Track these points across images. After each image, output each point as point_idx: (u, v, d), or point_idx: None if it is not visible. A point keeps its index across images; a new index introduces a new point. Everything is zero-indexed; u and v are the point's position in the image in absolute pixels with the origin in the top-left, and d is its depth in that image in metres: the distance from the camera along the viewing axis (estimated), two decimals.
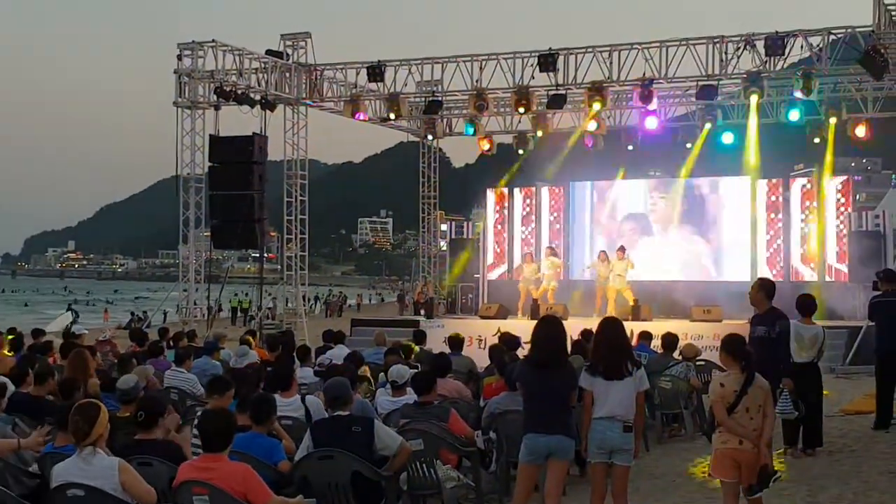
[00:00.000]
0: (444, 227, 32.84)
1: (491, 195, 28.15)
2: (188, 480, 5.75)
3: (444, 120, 31.18)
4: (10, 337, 15.73)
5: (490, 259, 27.65)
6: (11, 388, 8.97)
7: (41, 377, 9.75)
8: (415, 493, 7.92)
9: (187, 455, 6.57)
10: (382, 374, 11.03)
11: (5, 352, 13.22)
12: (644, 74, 23.81)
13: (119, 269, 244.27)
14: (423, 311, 27.07)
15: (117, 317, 52.15)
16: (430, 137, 31.49)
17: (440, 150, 34.64)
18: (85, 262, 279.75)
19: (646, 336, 14.54)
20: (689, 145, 27.54)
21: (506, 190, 28.06)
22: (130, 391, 8.26)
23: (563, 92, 24.73)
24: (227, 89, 25.62)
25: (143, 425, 6.72)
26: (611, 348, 7.18)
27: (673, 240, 25.47)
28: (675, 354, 13.40)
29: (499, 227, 27.66)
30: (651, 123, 25.94)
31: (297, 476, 6.80)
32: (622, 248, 23.55)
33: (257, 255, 39.36)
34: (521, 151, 30.34)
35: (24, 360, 11.17)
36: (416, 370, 10.26)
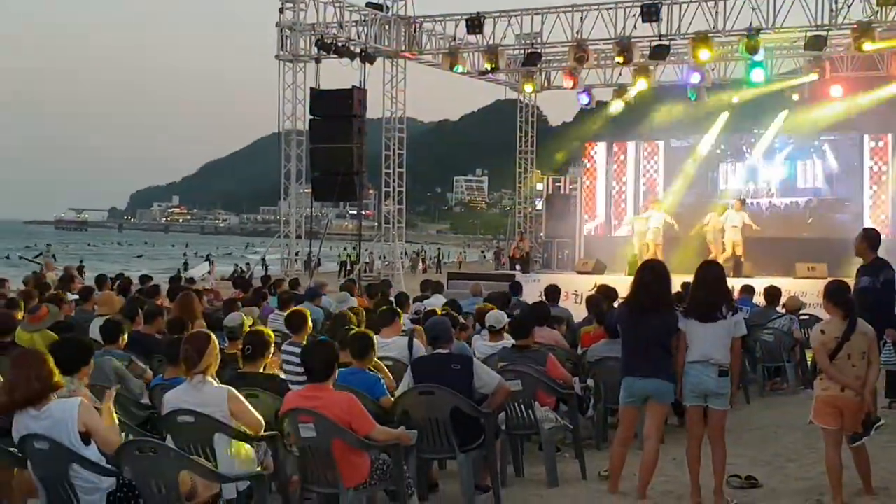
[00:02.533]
0: (539, 185, 32.60)
1: (589, 150, 27.84)
2: (294, 408, 5.89)
3: (543, 73, 30.84)
4: (117, 281, 16.34)
5: (587, 215, 27.42)
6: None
7: (150, 317, 10.13)
8: (513, 433, 7.98)
9: None
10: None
11: (114, 294, 13.67)
12: (751, 24, 23.13)
13: (221, 225, 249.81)
14: (518, 267, 27.04)
15: (220, 269, 53.49)
16: (528, 90, 31.17)
17: (537, 107, 34.39)
18: (188, 217, 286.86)
19: (748, 290, 14.27)
20: (795, 98, 26.73)
21: (604, 145, 27.70)
22: (236, 329, 8.50)
23: (667, 43, 24.20)
24: (328, 42, 25.83)
25: (250, 359, 6.90)
26: (706, 290, 7.07)
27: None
28: (778, 308, 13.14)
29: (596, 182, 27.37)
30: (757, 76, 25.21)
31: (399, 410, 6.91)
32: (742, 200, 23.06)
33: (355, 211, 39.74)
34: (621, 105, 29.86)
35: (134, 302, 11.58)
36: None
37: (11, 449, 5.29)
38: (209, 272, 35.93)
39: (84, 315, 11.67)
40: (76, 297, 13.02)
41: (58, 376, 5.19)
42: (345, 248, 47.21)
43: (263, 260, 36.34)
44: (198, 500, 5.02)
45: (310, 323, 9.23)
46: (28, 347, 5.59)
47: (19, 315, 9.95)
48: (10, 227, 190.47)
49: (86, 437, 5.02)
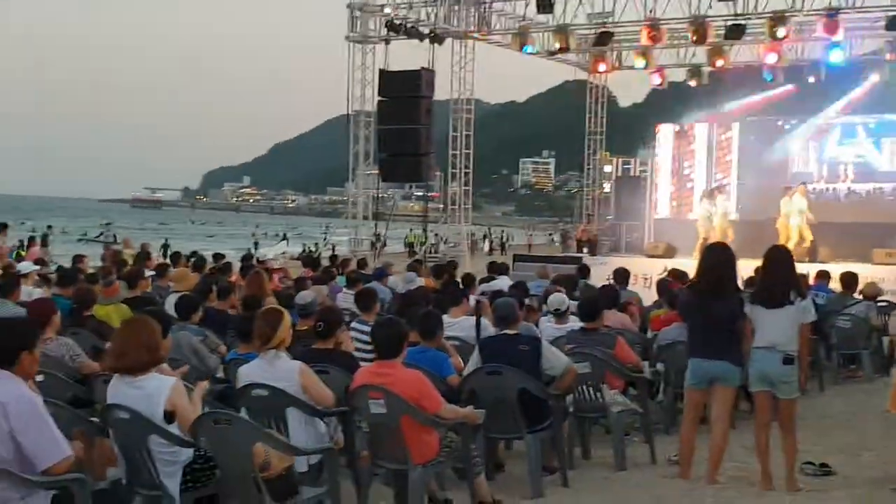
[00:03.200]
0: (608, 167, 32.32)
1: (660, 132, 27.50)
2: (365, 385, 5.95)
3: (614, 53, 30.48)
4: (192, 259, 16.66)
5: (657, 198, 27.12)
6: None
7: (223, 293, 10.32)
8: (581, 416, 7.96)
9: None
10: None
11: (189, 271, 13.92)
12: (830, 3, 22.58)
13: (290, 205, 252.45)
14: (586, 249, 26.87)
15: (289, 250, 54.11)
16: (601, 68, 30.80)
17: (607, 87, 34.04)
18: (259, 198, 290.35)
19: (823, 275, 13.99)
20: (876, 81, 26.05)
21: (676, 126, 27.33)
22: (308, 306, 8.60)
23: (743, 22, 23.74)
24: (398, 23, 25.87)
25: (321, 335, 6.97)
26: (772, 276, 6.97)
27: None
28: (855, 294, 12.86)
29: (667, 165, 27.04)
30: (836, 57, 24.61)
31: (466, 390, 6.94)
32: (804, 183, 22.62)
33: (421, 193, 39.87)
34: (694, 86, 29.41)
35: (207, 278, 11.80)
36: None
37: (93, 419, 5.44)
38: (284, 252, 36.51)
39: (160, 291, 11.93)
40: (152, 273, 13.31)
41: (164, 350, 5.32)
42: (411, 230, 47.42)
43: (325, 239, 36.69)
44: (271, 472, 5.11)
45: (378, 302, 9.34)
46: (141, 317, 5.68)
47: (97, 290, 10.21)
48: (86, 206, 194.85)
49: (169, 416, 5.14)
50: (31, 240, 22.82)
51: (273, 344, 6.00)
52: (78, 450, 4.60)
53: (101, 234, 34.21)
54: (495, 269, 15.36)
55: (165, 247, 30.99)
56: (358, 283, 12.70)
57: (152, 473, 5.15)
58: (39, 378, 6.10)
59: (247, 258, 18.55)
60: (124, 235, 27.42)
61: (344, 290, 12.80)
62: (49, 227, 37.63)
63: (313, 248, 42.57)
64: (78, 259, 16.08)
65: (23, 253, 20.20)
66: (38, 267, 13.93)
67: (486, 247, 57.25)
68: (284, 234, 58.72)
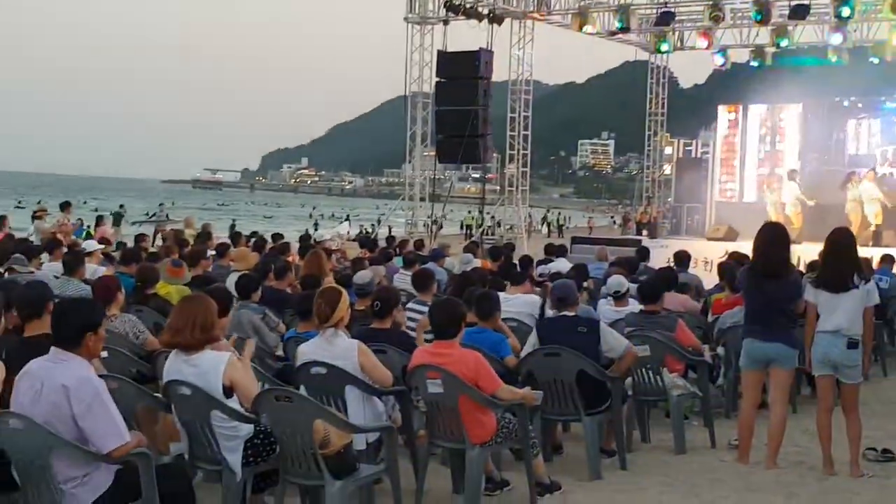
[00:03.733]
0: (668, 149, 31.97)
1: (723, 113, 27.03)
2: (422, 364, 5.96)
3: (676, 33, 30.09)
4: (252, 239, 16.85)
5: (718, 180, 26.73)
6: None
7: (280, 272, 10.41)
8: (640, 398, 7.91)
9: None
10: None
11: (249, 251, 14.07)
12: None
13: (347, 187, 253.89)
14: (645, 232, 26.64)
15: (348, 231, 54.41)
16: (663, 48, 30.42)
17: (668, 68, 33.66)
18: (317, 179, 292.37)
19: (887, 260, 13.71)
20: None
21: (739, 108, 26.87)
22: (366, 286, 8.64)
23: (807, 2, 23.28)
24: (457, 3, 25.82)
25: (379, 315, 6.99)
26: (836, 259, 6.85)
27: None
28: None
29: (730, 147, 26.61)
30: None
31: (524, 371, 6.93)
32: (873, 169, 22.13)
33: (477, 174, 39.76)
34: (757, 67, 28.91)
35: (267, 258, 11.91)
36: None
37: (157, 394, 5.53)
38: (348, 231, 36.71)
39: (220, 270, 12.08)
40: (213, 252, 13.47)
41: (219, 330, 5.38)
42: (469, 212, 47.47)
43: (379, 221, 36.83)
44: (330, 449, 5.15)
45: (435, 282, 9.36)
46: (201, 294, 5.74)
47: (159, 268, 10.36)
48: (149, 187, 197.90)
49: (228, 391, 5.20)
50: (100, 219, 23.22)
51: (332, 322, 6.03)
52: (139, 439, 4.64)
53: (155, 214, 34.74)
54: (553, 251, 15.28)
55: (233, 227, 31.40)
56: (414, 264, 12.75)
57: (214, 448, 5.23)
58: (104, 354, 6.21)
59: (305, 238, 18.70)
60: (186, 215, 27.79)
61: (401, 270, 12.85)
62: (121, 206, 38.39)
63: (370, 230, 42.77)
64: (140, 238, 16.36)
65: (92, 232, 20.59)
66: (102, 245, 14.19)
67: (545, 229, 56.99)
68: (347, 216, 59.01)
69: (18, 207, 64.18)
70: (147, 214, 41.46)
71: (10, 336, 5.85)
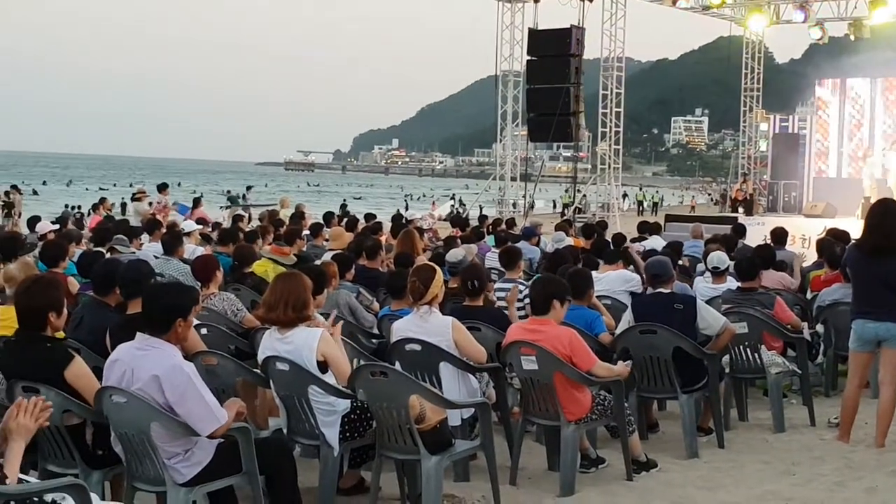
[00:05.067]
0: (764, 125, 31.21)
1: (820, 88, 26.32)
2: (517, 341, 5.95)
3: (771, 7, 29.33)
4: (344, 218, 17.04)
5: (816, 156, 26.02)
6: None
7: (373, 251, 10.48)
8: (737, 376, 7.77)
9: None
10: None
11: (343, 230, 14.23)
12: None
13: (438, 167, 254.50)
14: (741, 209, 26.10)
15: (439, 211, 54.60)
16: (755, 25, 29.72)
17: (763, 43, 32.79)
18: (407, 160, 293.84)
19: None
20: None
21: (837, 82, 26.09)
22: (458, 264, 8.66)
23: None
24: None
25: (472, 293, 6.99)
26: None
27: None
28: None
29: (827, 122, 25.88)
30: None
31: (619, 348, 6.86)
32: None
33: (568, 153, 39.51)
34: (854, 40, 27.99)
35: (359, 237, 12.02)
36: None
37: (255, 370, 5.63)
38: (453, 208, 36.88)
39: (315, 249, 12.25)
40: (307, 232, 13.66)
41: (311, 309, 5.43)
42: (567, 190, 47.20)
43: (460, 201, 36.81)
44: (426, 425, 5.17)
45: (522, 260, 9.32)
46: (296, 272, 5.81)
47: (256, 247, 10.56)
48: (243, 169, 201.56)
49: (322, 366, 5.27)
50: (197, 200, 23.82)
51: (426, 300, 6.06)
52: (238, 408, 4.70)
53: (242, 195, 35.42)
54: (646, 229, 15.12)
55: (344, 206, 31.79)
56: (506, 242, 12.72)
57: (311, 423, 5.30)
58: (204, 332, 6.37)
59: (397, 218, 18.83)
60: (281, 196, 28.27)
61: (492, 249, 12.84)
62: (249, 188, 39.64)
63: (461, 209, 42.87)
64: (238, 218, 16.69)
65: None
66: (200, 226, 14.52)
67: (629, 206, 56.24)
68: (453, 195, 59.29)
69: (102, 189, 66.31)
70: (228, 193, 42.35)
71: (114, 313, 6.03)
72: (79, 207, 34.22)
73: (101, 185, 74.92)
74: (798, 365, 7.86)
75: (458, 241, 12.72)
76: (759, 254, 9.87)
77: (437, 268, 6.29)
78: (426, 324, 6.03)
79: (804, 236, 20.33)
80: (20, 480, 3.68)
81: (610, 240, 12.87)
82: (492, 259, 11.99)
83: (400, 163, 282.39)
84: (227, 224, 16.44)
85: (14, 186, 30.33)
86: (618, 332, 7.08)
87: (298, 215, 17.16)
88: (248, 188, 39.68)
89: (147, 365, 4.48)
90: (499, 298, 8.29)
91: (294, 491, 4.85)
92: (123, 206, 21.08)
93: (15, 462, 3.64)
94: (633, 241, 14.34)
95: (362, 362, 5.97)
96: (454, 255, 8.96)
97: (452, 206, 40.38)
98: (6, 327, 5.66)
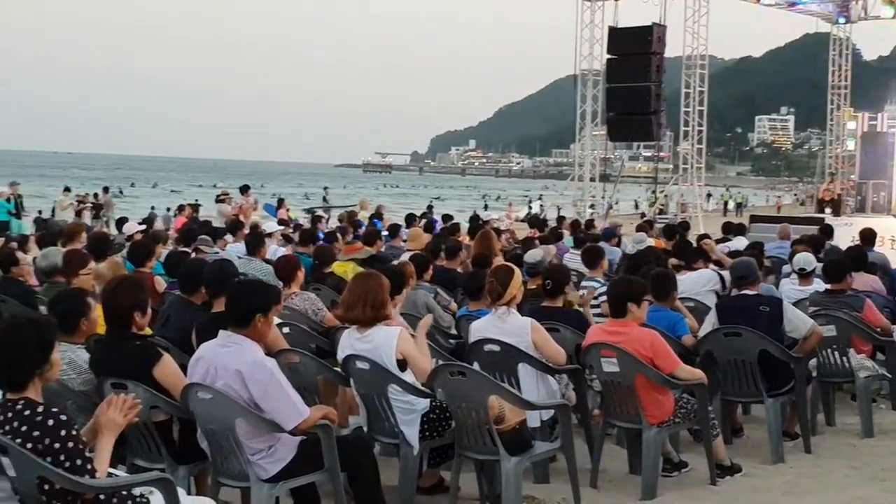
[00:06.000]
0: (851, 124, 30.50)
1: None
2: (597, 343, 5.89)
3: (859, 2, 28.63)
4: (423, 220, 17.12)
5: None
6: None
7: (451, 252, 10.51)
8: (825, 380, 7.58)
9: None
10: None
11: (421, 231, 14.30)
12: None
13: (515, 168, 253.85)
14: (828, 210, 25.52)
15: (517, 212, 54.46)
16: (843, 22, 29.04)
17: (851, 39, 32.02)
18: (484, 161, 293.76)
19: None
20: None
21: None
22: (537, 264, 8.60)
23: None
24: None
25: (550, 294, 6.95)
26: None
27: None
28: None
29: None
30: None
31: (702, 351, 6.75)
32: None
33: (649, 153, 39.09)
34: None
35: (437, 238, 12.07)
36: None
37: (336, 368, 5.68)
38: (542, 208, 36.80)
39: (392, 250, 12.32)
40: (385, 233, 13.75)
41: (389, 309, 5.45)
42: (652, 192, 46.72)
43: (538, 201, 36.67)
44: (505, 425, 5.16)
45: (606, 260, 9.26)
46: (374, 272, 5.84)
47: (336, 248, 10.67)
48: (322, 171, 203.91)
49: (402, 364, 5.29)
50: (280, 202, 24.24)
51: (504, 300, 6.03)
52: (324, 412, 4.73)
53: (324, 198, 35.87)
54: (731, 230, 14.87)
55: (430, 208, 32.00)
56: (585, 243, 12.63)
57: (391, 421, 5.33)
58: (286, 330, 6.45)
59: (474, 219, 18.84)
60: (361, 197, 28.53)
61: (571, 250, 12.75)
62: (325, 188, 40.22)
63: (538, 210, 42.73)
64: (317, 219, 16.90)
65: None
66: (282, 227, 14.73)
67: (724, 207, 55.30)
68: (540, 195, 59.21)
69: (174, 192, 67.64)
70: (307, 199, 42.86)
71: (200, 312, 6.14)
72: (170, 209, 35.03)
73: (172, 188, 76.34)
74: (888, 369, 7.65)
75: (537, 241, 12.68)
76: (850, 255, 9.63)
77: (515, 268, 6.26)
78: (504, 324, 6.01)
79: (894, 237, 19.83)
80: (109, 474, 3.77)
81: (694, 241, 12.69)
82: (570, 260, 11.91)
83: (477, 164, 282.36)
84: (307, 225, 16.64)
85: (105, 189, 31.22)
86: (701, 334, 6.97)
87: (377, 216, 17.29)
88: (326, 188, 40.12)
89: (229, 361, 4.55)
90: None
91: (376, 488, 4.88)
92: (190, 206, 21.56)
93: (105, 456, 3.73)
94: (718, 241, 14.12)
95: (440, 362, 5.97)
96: (532, 255, 8.90)
97: (541, 206, 40.20)
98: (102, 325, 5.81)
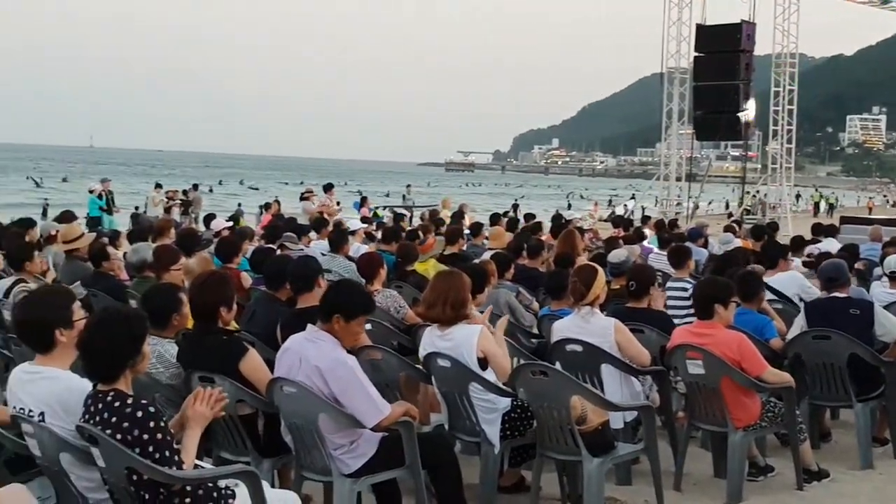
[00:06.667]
0: None
1: None
2: (683, 344, 5.81)
3: None
4: (505, 219, 17.10)
5: None
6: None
7: (533, 251, 10.48)
8: None
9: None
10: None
11: (503, 230, 14.28)
12: None
13: (598, 167, 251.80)
14: None
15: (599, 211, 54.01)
16: None
17: None
18: (567, 159, 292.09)
19: None
20: None
21: None
22: (621, 264, 8.52)
23: None
24: None
25: (634, 294, 6.87)
26: None
27: None
28: None
29: None
30: None
31: (791, 354, 6.61)
32: None
33: (736, 153, 38.44)
34: None
35: (519, 237, 12.03)
36: None
37: (417, 366, 5.71)
38: (626, 208, 36.53)
39: (474, 249, 12.32)
40: (467, 231, 13.76)
41: (470, 308, 5.45)
42: (748, 193, 45.93)
43: (631, 200, 36.26)
44: (587, 426, 5.11)
45: (692, 260, 9.13)
46: (456, 270, 5.85)
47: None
48: (405, 169, 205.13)
49: (483, 363, 5.29)
50: (364, 200, 24.46)
51: (588, 300, 5.99)
52: (405, 409, 4.75)
53: (404, 196, 35.97)
54: (821, 231, 14.56)
55: (515, 206, 31.98)
56: (669, 243, 12.47)
57: (472, 420, 5.33)
58: (368, 327, 6.49)
59: (557, 218, 18.75)
60: (443, 197, 28.61)
61: (655, 250, 12.60)
62: (408, 186, 40.51)
63: (630, 209, 42.35)
64: (399, 218, 17.00)
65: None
66: (365, 225, 14.86)
67: (814, 208, 54.00)
68: (633, 195, 58.82)
69: (252, 188, 68.57)
70: (388, 196, 43.02)
71: (285, 307, 6.23)
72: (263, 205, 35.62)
73: (249, 186, 77.41)
74: None
75: (620, 241, 12.55)
76: None
77: (598, 268, 6.21)
78: (587, 325, 5.96)
79: None
80: (196, 466, 3.84)
81: (785, 242, 12.43)
82: (654, 260, 11.77)
83: (560, 162, 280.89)
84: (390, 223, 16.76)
85: (194, 186, 31.88)
86: (789, 336, 6.82)
87: (459, 215, 17.32)
88: (408, 186, 40.24)
89: (311, 355, 4.61)
90: (669, 298, 8.14)
91: (458, 486, 4.89)
92: (266, 206, 21.87)
93: (192, 448, 3.81)
94: (808, 243, 13.81)
95: (522, 361, 5.95)
96: (616, 255, 8.81)
97: (631, 206, 39.84)
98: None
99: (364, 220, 17.28)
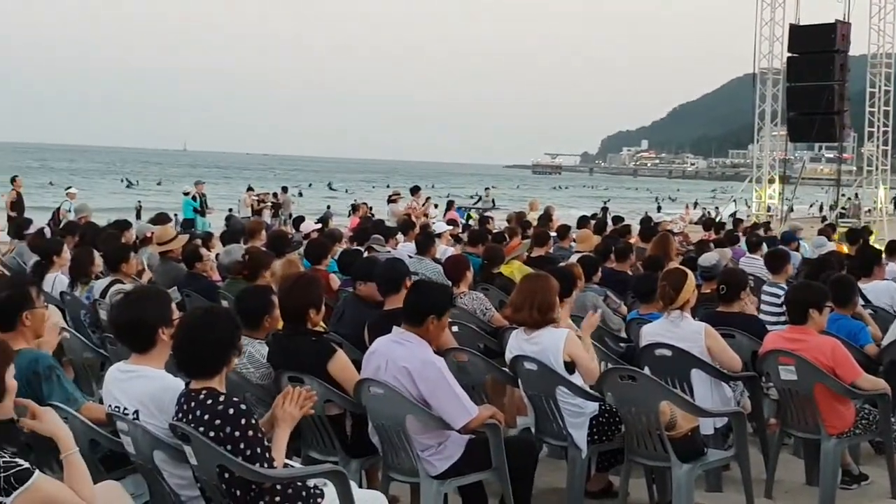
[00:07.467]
0: None
1: None
2: (775, 350, 5.70)
3: None
4: (593, 220, 16.99)
5: None
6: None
7: (621, 254, 10.36)
8: None
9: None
10: None
11: (591, 233, 14.19)
12: None
13: (689, 169, 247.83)
14: None
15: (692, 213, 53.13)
16: None
17: None
18: (657, 161, 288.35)
19: None
20: None
21: None
22: (712, 268, 8.38)
23: None
24: None
25: (725, 299, 6.77)
26: None
27: None
28: None
29: None
30: None
31: (886, 361, 6.43)
32: None
33: (831, 154, 37.57)
34: None
35: (607, 240, 11.93)
36: None
37: (504, 368, 5.71)
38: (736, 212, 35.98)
39: (561, 251, 12.27)
40: (554, 234, 13.70)
41: (557, 312, 5.43)
42: (843, 195, 44.81)
43: (732, 204, 35.61)
44: (677, 432, 5.05)
45: (790, 265, 8.94)
46: (543, 273, 5.84)
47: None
48: (491, 172, 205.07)
49: (570, 367, 5.26)
50: (450, 203, 24.59)
51: (677, 304, 5.91)
52: (492, 412, 4.76)
53: (480, 198, 35.79)
54: None
55: (605, 209, 31.81)
56: (759, 247, 12.25)
57: (559, 424, 5.31)
58: (455, 329, 6.52)
59: (646, 221, 18.55)
60: (531, 199, 28.52)
61: (747, 254, 12.37)
62: (486, 188, 40.43)
63: (713, 212, 41.61)
64: (486, 220, 17.00)
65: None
66: (451, 227, 14.90)
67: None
68: (732, 198, 57.92)
69: (331, 188, 68.93)
70: (472, 198, 42.90)
71: (372, 309, 6.29)
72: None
73: (329, 188, 78.06)
74: None
75: (711, 245, 12.35)
76: None
77: (688, 272, 6.13)
78: (677, 329, 5.89)
79: None
80: (286, 465, 3.90)
81: (883, 248, 12.08)
82: (746, 264, 11.56)
83: (649, 164, 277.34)
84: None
85: (284, 188, 32.44)
86: (885, 343, 6.63)
87: (546, 217, 17.26)
88: (486, 189, 40.12)
89: (398, 356, 4.64)
90: (763, 303, 7.99)
91: (530, 491, 4.88)
92: (352, 208, 22.09)
93: (281, 447, 3.86)
94: None
95: (610, 365, 5.91)
96: (707, 259, 8.66)
97: (735, 208, 39.14)
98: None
99: (450, 222, 17.34)
